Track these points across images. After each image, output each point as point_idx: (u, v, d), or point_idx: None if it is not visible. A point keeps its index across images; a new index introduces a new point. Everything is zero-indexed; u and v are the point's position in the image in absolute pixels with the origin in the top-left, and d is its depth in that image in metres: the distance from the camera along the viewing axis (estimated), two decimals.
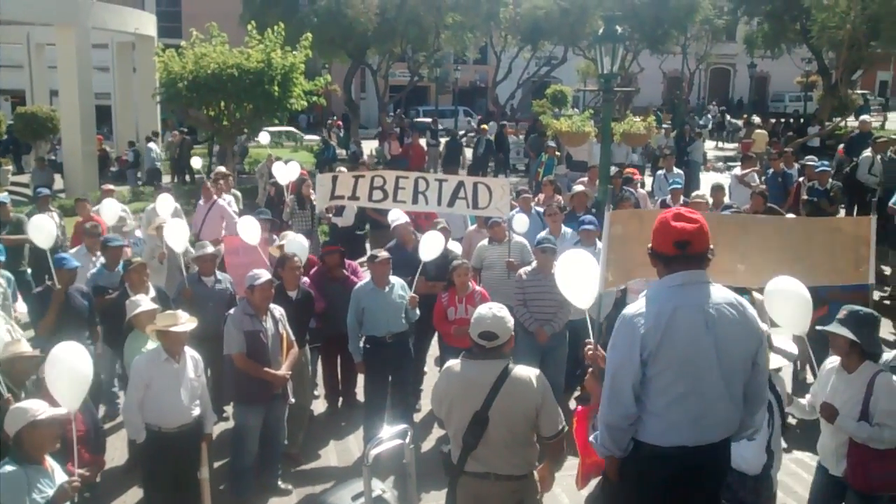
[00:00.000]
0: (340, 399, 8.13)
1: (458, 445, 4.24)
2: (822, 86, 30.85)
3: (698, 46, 36.61)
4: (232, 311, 6.30)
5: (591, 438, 3.93)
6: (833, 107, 28.26)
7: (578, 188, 9.98)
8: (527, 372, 4.23)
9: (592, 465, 4.36)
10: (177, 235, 7.68)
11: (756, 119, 31.77)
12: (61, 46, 20.34)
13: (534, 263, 7.57)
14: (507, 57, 34.82)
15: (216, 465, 6.48)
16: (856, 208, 12.76)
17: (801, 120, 31.53)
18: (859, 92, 35.39)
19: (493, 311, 4.24)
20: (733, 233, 5.07)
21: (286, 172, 11.70)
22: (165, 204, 9.26)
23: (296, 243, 7.75)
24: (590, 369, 4.44)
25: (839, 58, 24.01)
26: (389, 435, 4.36)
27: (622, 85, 23.56)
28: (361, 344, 7.08)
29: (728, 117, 38.70)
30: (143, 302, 6.09)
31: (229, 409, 7.27)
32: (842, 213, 11.95)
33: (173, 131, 25.88)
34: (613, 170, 10.61)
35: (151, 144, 22.75)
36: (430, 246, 7.41)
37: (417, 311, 7.16)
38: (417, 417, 7.47)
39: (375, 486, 4.51)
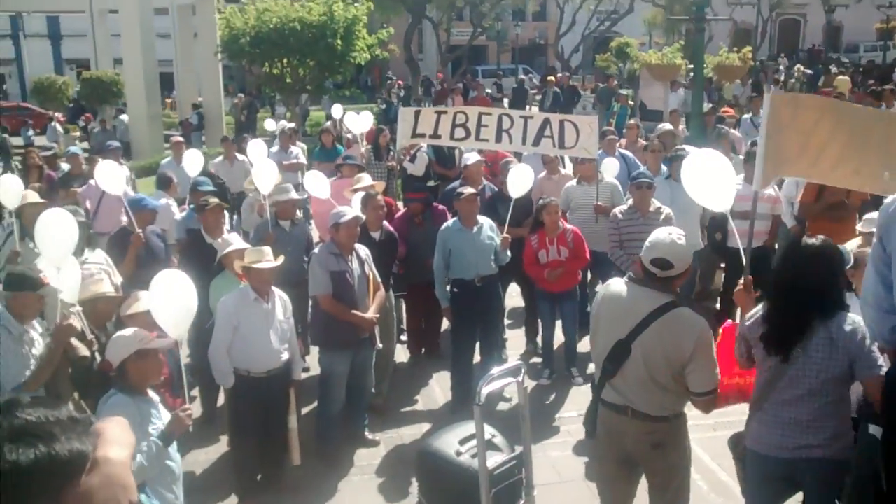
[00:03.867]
0: (423, 349, 7.78)
1: (598, 369, 3.95)
2: None
3: None
4: (316, 250, 5.95)
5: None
6: None
7: (666, 126, 9.38)
8: (691, 317, 3.74)
9: (731, 388, 3.92)
10: (265, 179, 7.31)
11: (833, 69, 30.22)
12: (124, 10, 20.28)
13: (629, 201, 7.03)
14: (569, 9, 33.76)
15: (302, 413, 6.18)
16: None
17: (888, 63, 29.76)
18: None
19: (673, 238, 3.77)
20: (878, 132, 4.26)
21: (359, 122, 11.33)
22: (257, 150, 9.34)
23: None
24: (741, 280, 3.99)
25: None
26: (501, 372, 3.95)
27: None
28: (448, 289, 6.69)
29: (800, 67, 36.96)
30: (235, 240, 5.79)
31: (310, 360, 6.99)
32: None
33: (238, 95, 25.77)
34: (707, 107, 9.93)
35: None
36: (519, 181, 6.92)
37: (508, 253, 6.71)
38: None
39: (485, 429, 4.10)
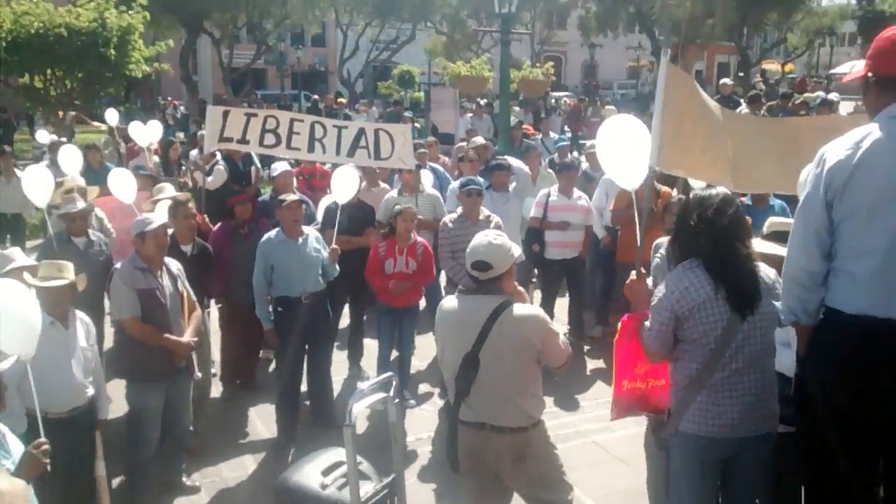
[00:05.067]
0: (238, 380, 7.01)
1: (452, 391, 3.73)
2: (651, 69, 32.13)
3: (540, 29, 37.14)
4: (118, 265, 5.09)
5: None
6: None
7: (479, 140, 9.35)
8: (526, 310, 3.68)
9: (633, 395, 3.69)
10: (39, 189, 6.24)
11: (605, 100, 32.77)
12: None
13: (459, 210, 6.81)
14: (353, 34, 33.75)
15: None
16: None
17: (642, 95, 32.69)
18: None
19: (489, 239, 3.72)
20: (739, 131, 4.23)
21: (146, 133, 10.28)
22: (71, 159, 8.30)
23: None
24: (633, 272, 3.77)
25: (679, 33, 24.98)
26: (371, 387, 3.48)
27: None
28: (271, 308, 6.05)
29: (567, 98, 39.71)
30: (18, 256, 4.80)
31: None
32: None
33: None
34: (513, 121, 10.05)
35: None
36: (345, 186, 6.46)
37: (337, 267, 6.21)
38: None
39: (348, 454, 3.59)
